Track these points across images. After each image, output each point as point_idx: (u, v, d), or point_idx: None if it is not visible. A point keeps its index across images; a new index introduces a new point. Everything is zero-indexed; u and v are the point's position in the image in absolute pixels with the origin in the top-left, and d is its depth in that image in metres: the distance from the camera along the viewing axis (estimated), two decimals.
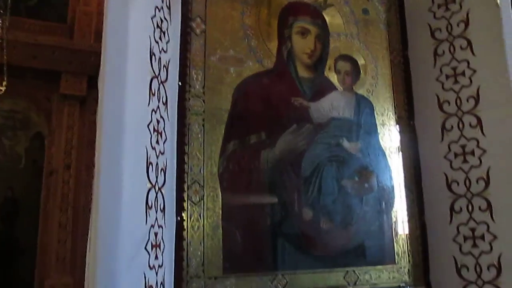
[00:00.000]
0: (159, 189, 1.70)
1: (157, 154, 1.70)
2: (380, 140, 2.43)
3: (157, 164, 1.68)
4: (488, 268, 2.17)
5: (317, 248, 2.17)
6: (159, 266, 1.65)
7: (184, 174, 1.97)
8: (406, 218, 2.40)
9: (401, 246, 2.36)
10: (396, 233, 2.36)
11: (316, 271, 2.14)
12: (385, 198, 2.37)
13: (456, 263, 2.26)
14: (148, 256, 1.55)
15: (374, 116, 2.44)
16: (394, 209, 2.39)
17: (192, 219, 1.96)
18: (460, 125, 2.33)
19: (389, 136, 2.46)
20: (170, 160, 1.85)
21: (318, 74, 2.39)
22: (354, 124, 2.37)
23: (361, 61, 2.49)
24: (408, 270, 2.34)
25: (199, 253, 1.94)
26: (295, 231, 2.14)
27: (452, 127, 2.35)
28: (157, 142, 1.70)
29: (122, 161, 1.46)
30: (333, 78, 2.41)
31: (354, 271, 2.21)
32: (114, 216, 1.42)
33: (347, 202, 2.27)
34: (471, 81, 2.32)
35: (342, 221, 2.24)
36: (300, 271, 2.10)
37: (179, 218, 1.91)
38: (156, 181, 1.67)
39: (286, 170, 2.17)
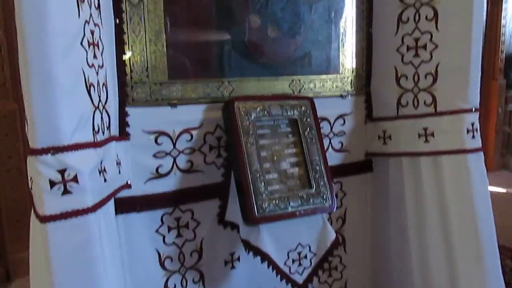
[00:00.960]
0: None
1: None
2: None
3: None
4: (425, 77, 2.26)
5: (264, 56, 2.15)
6: (100, 67, 1.59)
7: None
8: (354, 29, 2.38)
9: (346, 57, 2.39)
10: (343, 44, 2.36)
11: (262, 78, 2.16)
12: (335, 8, 2.30)
13: (396, 72, 2.34)
14: (85, 53, 1.46)
15: None
16: (343, 20, 2.34)
17: (132, 23, 1.84)
18: None
19: None
20: None
21: None
22: None
23: None
24: (351, 80, 2.42)
25: (142, 58, 1.87)
26: (242, 39, 2.08)
27: None
28: None
29: None
30: None
31: (299, 80, 2.26)
32: (40, 8, 1.28)
33: (296, 10, 2.19)
34: None
35: (290, 29, 2.19)
36: (246, 78, 2.11)
37: (117, 21, 1.79)
38: None
39: None
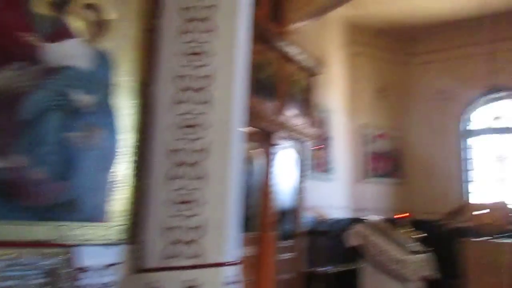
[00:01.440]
0: None
1: None
2: (115, 99, 2.39)
3: None
4: (193, 229, 2.39)
5: (26, 199, 2.00)
6: None
7: None
8: (125, 179, 2.44)
9: (116, 207, 2.38)
10: (113, 193, 2.37)
11: (22, 223, 1.97)
12: (108, 158, 2.35)
13: (166, 224, 2.41)
14: None
15: (113, 74, 2.38)
16: (114, 170, 2.39)
17: None
18: (190, 101, 2.50)
19: (125, 97, 2.45)
20: None
21: (61, 15, 2.20)
22: (90, 78, 2.27)
23: (112, 16, 2.41)
24: (121, 229, 2.39)
25: None
26: (1, 177, 1.92)
27: (183, 100, 2.51)
28: None
29: None
30: (78, 24, 2.26)
31: (65, 226, 2.13)
32: None
33: (67, 155, 2.16)
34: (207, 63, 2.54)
35: (59, 173, 2.12)
36: (1, 221, 1.90)
37: None
38: None
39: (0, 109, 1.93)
